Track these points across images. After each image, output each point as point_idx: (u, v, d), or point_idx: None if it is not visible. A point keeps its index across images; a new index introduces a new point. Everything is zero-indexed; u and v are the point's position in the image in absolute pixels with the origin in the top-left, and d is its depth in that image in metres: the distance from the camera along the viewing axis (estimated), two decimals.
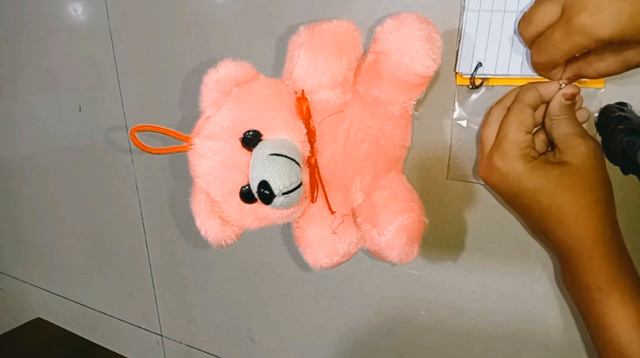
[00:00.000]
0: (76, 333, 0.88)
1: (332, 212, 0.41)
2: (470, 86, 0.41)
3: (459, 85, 0.42)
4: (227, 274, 0.63)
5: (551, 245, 0.37)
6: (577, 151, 0.34)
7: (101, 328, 0.83)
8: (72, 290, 0.85)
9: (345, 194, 0.43)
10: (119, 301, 0.78)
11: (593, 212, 0.34)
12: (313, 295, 0.57)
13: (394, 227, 0.41)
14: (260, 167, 0.34)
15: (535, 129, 0.38)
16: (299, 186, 0.35)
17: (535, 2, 0.34)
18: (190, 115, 0.57)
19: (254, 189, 0.34)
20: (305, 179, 0.37)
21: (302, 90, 0.38)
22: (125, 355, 0.82)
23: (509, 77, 0.39)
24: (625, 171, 0.36)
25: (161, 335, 0.75)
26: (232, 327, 0.66)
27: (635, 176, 0.36)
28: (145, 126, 0.36)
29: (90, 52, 0.63)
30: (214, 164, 0.35)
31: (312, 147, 0.38)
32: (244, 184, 0.35)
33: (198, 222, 0.37)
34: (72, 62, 0.65)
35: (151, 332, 0.76)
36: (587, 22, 0.30)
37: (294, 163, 0.34)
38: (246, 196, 0.36)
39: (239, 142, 0.35)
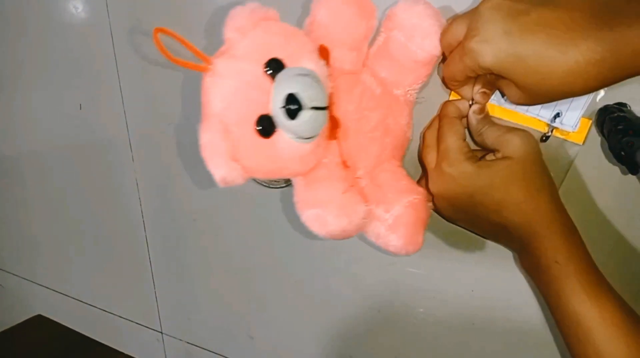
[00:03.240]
0: (77, 330, 0.88)
1: (346, 166, 0.39)
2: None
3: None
4: (227, 273, 0.63)
5: (513, 235, 0.38)
6: (513, 144, 0.36)
7: (102, 326, 0.83)
8: (72, 287, 0.85)
9: (352, 170, 0.41)
10: (120, 299, 0.79)
11: (542, 196, 0.36)
12: (313, 293, 0.57)
13: (403, 204, 0.40)
14: (288, 82, 0.32)
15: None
16: (325, 108, 0.34)
17: (451, 19, 0.37)
18: (191, 114, 0.57)
19: (280, 104, 0.32)
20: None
21: (321, 45, 0.38)
22: (125, 352, 0.82)
23: (501, 107, 0.40)
24: (630, 172, 0.36)
25: (161, 333, 0.75)
26: (232, 325, 0.66)
27: (634, 176, 0.36)
28: (171, 32, 0.34)
29: (91, 50, 0.62)
30: (236, 84, 0.33)
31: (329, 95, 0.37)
32: (263, 113, 0.34)
33: (206, 156, 0.34)
34: (73, 60, 0.65)
35: (151, 329, 0.76)
36: (475, 48, 0.32)
37: (322, 85, 0.33)
38: (264, 122, 0.34)
39: (262, 67, 0.34)
